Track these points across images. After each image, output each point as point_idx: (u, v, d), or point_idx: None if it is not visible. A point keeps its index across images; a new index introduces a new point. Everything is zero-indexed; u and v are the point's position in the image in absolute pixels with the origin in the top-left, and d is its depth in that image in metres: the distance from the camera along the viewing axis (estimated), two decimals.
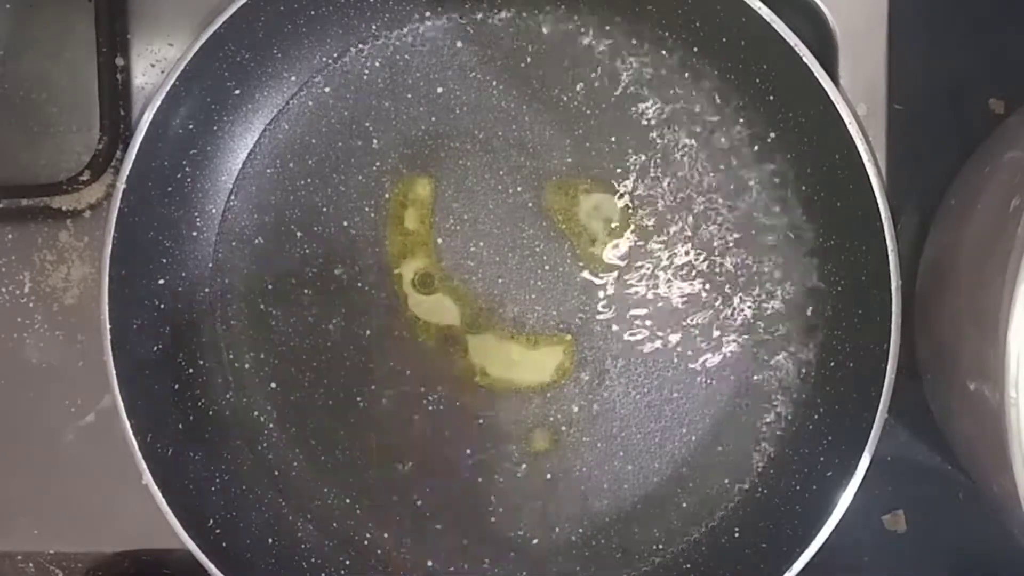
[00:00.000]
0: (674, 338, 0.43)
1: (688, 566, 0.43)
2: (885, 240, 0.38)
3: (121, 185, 0.39)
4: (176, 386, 0.43)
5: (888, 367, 0.38)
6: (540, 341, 0.43)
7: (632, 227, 0.43)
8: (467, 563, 0.44)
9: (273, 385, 0.44)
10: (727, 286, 0.43)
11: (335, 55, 0.43)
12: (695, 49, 0.42)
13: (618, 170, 0.43)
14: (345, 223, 0.43)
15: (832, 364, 0.42)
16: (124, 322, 0.40)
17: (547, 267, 0.43)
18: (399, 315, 0.44)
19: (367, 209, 0.43)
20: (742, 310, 0.43)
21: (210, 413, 0.44)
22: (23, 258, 0.45)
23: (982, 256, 0.34)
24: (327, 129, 0.43)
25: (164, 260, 0.42)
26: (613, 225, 0.43)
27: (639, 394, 0.43)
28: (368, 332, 0.44)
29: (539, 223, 0.43)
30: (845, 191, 0.39)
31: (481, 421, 0.43)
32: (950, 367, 0.36)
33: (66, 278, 0.44)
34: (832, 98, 0.38)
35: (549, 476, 0.43)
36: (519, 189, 0.43)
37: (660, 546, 0.43)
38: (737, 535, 0.42)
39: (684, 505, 0.43)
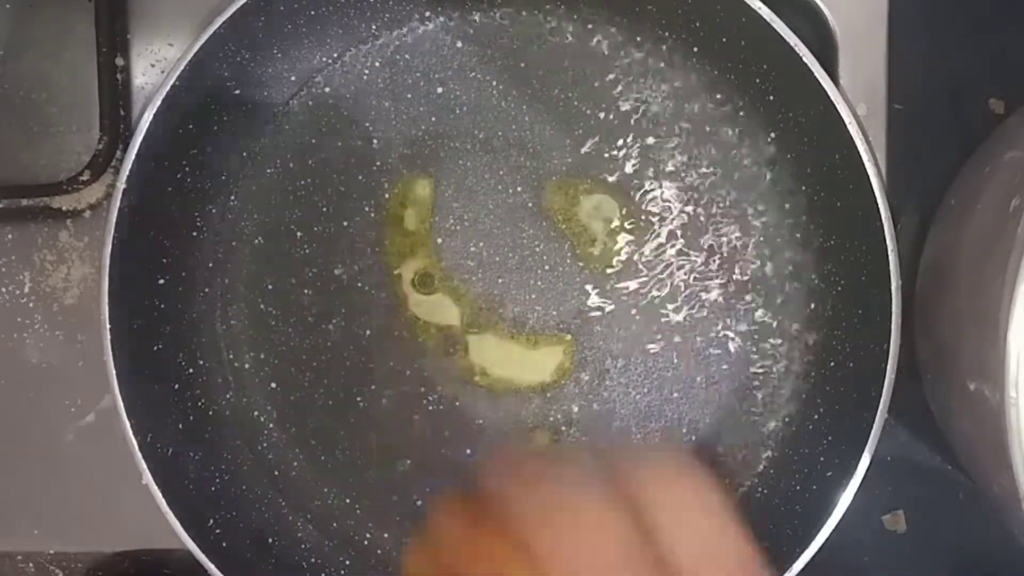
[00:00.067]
0: (674, 338, 0.43)
1: None
2: (885, 240, 0.38)
3: (121, 185, 0.39)
4: (176, 386, 0.43)
5: (888, 367, 0.38)
6: (540, 341, 0.43)
7: (632, 227, 0.43)
8: None
9: (273, 385, 0.44)
10: (727, 286, 0.43)
11: (335, 55, 0.43)
12: (695, 49, 0.42)
13: (618, 170, 0.43)
14: (345, 223, 0.43)
15: (832, 364, 0.42)
16: (124, 322, 0.40)
17: (547, 267, 0.43)
18: (399, 315, 0.44)
19: (367, 209, 0.43)
20: (742, 310, 0.43)
21: (210, 413, 0.44)
22: (23, 258, 0.45)
23: (982, 256, 0.34)
24: (327, 129, 0.43)
25: (164, 260, 0.42)
26: (613, 225, 0.43)
27: (639, 394, 0.43)
28: (368, 332, 0.44)
29: (539, 223, 0.43)
30: (845, 191, 0.39)
31: (481, 421, 0.43)
32: (950, 367, 0.36)
33: (66, 278, 0.44)
34: (832, 98, 0.38)
35: None
36: (519, 189, 0.43)
37: None
38: None
39: None
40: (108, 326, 0.40)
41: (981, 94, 0.43)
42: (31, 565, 0.46)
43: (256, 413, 0.44)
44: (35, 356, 0.45)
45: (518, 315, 0.43)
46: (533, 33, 0.43)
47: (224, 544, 0.41)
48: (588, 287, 0.43)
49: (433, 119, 0.43)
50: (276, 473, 0.44)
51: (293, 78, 0.43)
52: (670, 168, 0.43)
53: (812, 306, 0.43)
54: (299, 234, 0.44)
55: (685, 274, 0.43)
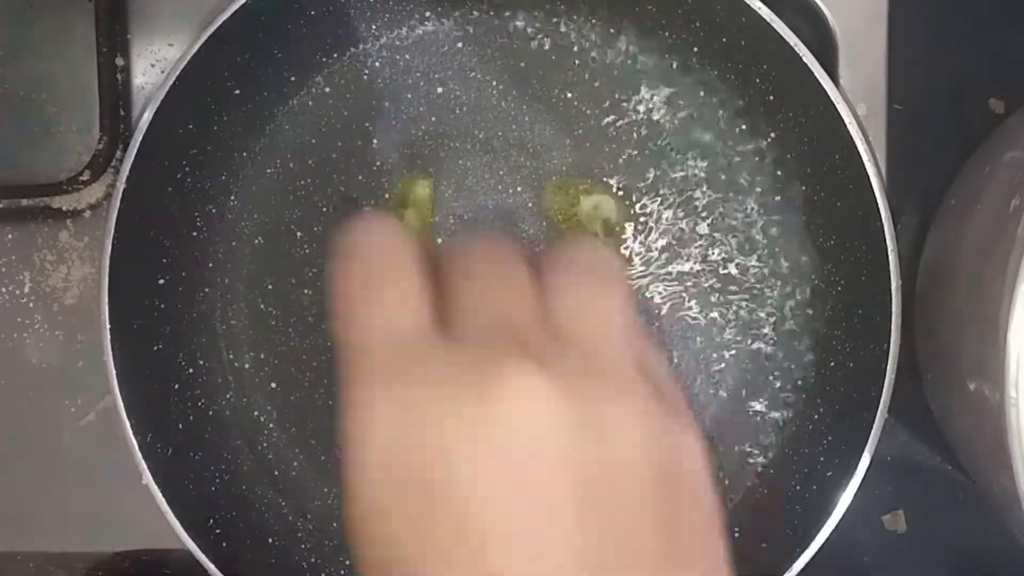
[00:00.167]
0: (673, 338, 0.43)
1: None
2: (885, 240, 0.38)
3: (121, 185, 0.39)
4: (176, 386, 0.43)
5: (888, 367, 0.38)
6: None
7: (631, 227, 0.43)
8: None
9: (273, 385, 0.44)
10: (726, 286, 0.43)
11: (335, 55, 0.43)
12: (695, 49, 0.42)
13: (618, 170, 0.43)
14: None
15: (832, 364, 0.42)
16: (124, 322, 0.40)
17: None
18: None
19: (367, 209, 0.43)
20: (741, 309, 0.43)
21: (210, 413, 0.44)
22: (23, 258, 0.45)
23: (982, 256, 0.34)
24: (327, 129, 0.43)
25: (164, 260, 0.42)
26: (613, 225, 0.43)
27: None
28: None
29: (539, 223, 0.43)
30: (845, 191, 0.39)
31: None
32: (950, 367, 0.36)
33: (66, 278, 0.44)
34: (832, 98, 0.38)
35: None
36: (519, 189, 0.43)
37: None
38: (737, 535, 0.42)
39: None
40: (108, 326, 0.40)
41: (981, 94, 0.43)
42: (31, 565, 0.46)
43: (256, 413, 0.44)
44: (35, 356, 0.45)
45: None
46: (533, 33, 0.43)
47: (224, 544, 0.41)
48: None
49: (433, 119, 0.43)
50: (276, 473, 0.44)
51: (293, 78, 0.43)
52: (669, 168, 0.43)
53: (812, 306, 0.43)
54: (299, 234, 0.44)
55: (684, 274, 0.43)
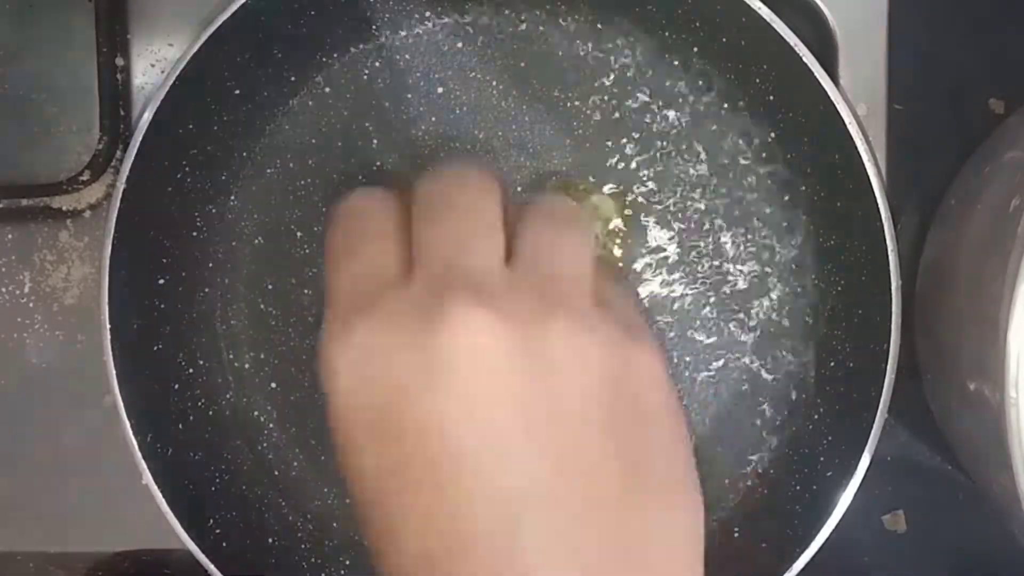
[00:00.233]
0: (674, 338, 0.43)
1: None
2: (885, 240, 0.38)
3: (121, 185, 0.39)
4: (176, 386, 0.43)
5: (888, 367, 0.38)
6: None
7: (632, 227, 0.43)
8: None
9: (273, 385, 0.44)
10: (726, 286, 0.43)
11: (335, 55, 0.43)
12: (695, 49, 0.42)
13: (618, 170, 0.43)
14: None
15: (832, 364, 0.42)
16: (124, 322, 0.40)
17: None
18: None
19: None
20: (741, 310, 0.43)
21: (210, 413, 0.44)
22: (23, 258, 0.44)
23: (982, 256, 0.34)
24: (327, 129, 0.43)
25: (164, 260, 0.42)
26: (613, 225, 0.43)
27: None
28: None
29: None
30: (845, 191, 0.39)
31: None
32: (950, 367, 0.36)
33: (66, 278, 0.44)
34: (832, 98, 0.38)
35: None
36: (519, 189, 0.43)
37: None
38: (737, 535, 0.42)
39: None
40: (108, 326, 0.40)
41: (981, 94, 0.43)
42: (31, 565, 0.46)
43: (256, 413, 0.44)
44: (35, 356, 0.45)
45: None
46: (533, 33, 0.43)
47: (224, 544, 0.41)
48: None
49: (433, 119, 0.43)
50: (276, 473, 0.44)
51: (293, 78, 0.43)
52: (669, 168, 0.43)
53: (812, 306, 0.43)
54: (299, 234, 0.44)
55: (683, 273, 0.43)
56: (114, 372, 0.40)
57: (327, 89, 0.43)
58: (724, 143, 0.42)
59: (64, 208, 0.43)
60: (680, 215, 0.43)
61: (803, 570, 0.39)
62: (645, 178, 0.43)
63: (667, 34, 0.42)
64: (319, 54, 0.43)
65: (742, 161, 0.42)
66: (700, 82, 0.42)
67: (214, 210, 0.44)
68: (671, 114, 0.43)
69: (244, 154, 0.44)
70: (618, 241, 0.43)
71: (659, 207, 0.43)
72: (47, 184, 0.43)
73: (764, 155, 0.42)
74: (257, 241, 0.44)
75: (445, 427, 0.25)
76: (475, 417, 0.25)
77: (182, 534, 0.40)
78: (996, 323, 0.30)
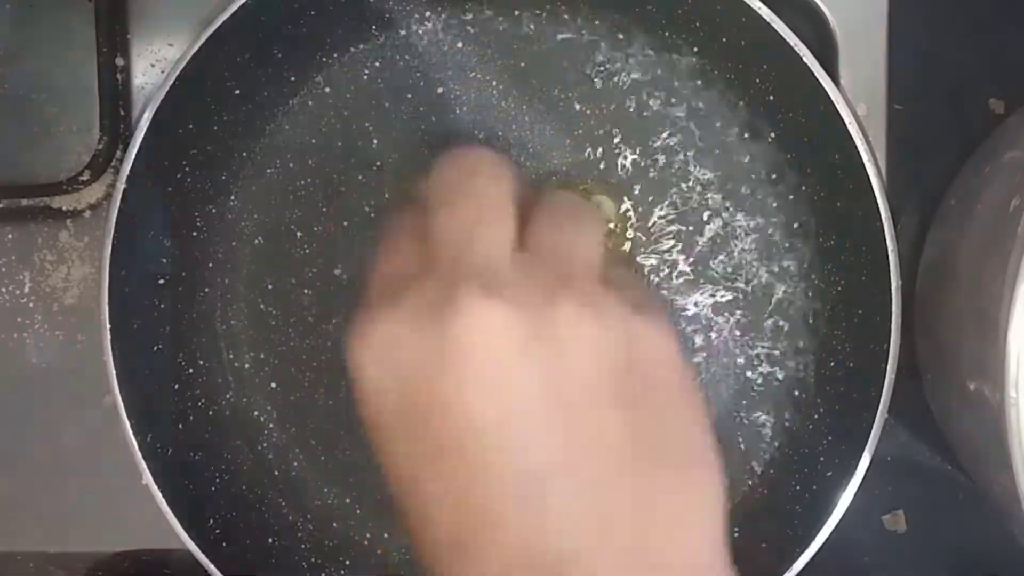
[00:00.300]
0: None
1: None
2: (885, 240, 0.38)
3: (121, 185, 0.39)
4: (176, 386, 0.43)
5: (888, 367, 0.38)
6: None
7: (632, 227, 0.43)
8: None
9: (273, 385, 0.44)
10: (726, 286, 0.43)
11: (335, 55, 0.43)
12: (695, 49, 0.42)
13: (618, 170, 0.43)
14: (345, 223, 0.43)
15: (832, 364, 0.42)
16: (124, 322, 0.40)
17: None
18: None
19: (367, 209, 0.43)
20: (741, 309, 0.43)
21: (210, 413, 0.44)
22: (23, 258, 0.45)
23: (982, 256, 0.34)
24: (327, 129, 0.43)
25: (164, 260, 0.42)
26: (613, 226, 0.43)
27: None
28: None
29: None
30: (845, 191, 0.39)
31: None
32: (950, 367, 0.36)
33: (66, 278, 0.44)
34: (832, 98, 0.38)
35: None
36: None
37: None
38: (737, 535, 0.42)
39: None
40: (108, 326, 0.40)
41: (981, 94, 0.43)
42: (31, 565, 0.46)
43: (256, 413, 0.44)
44: (35, 356, 0.45)
45: None
46: (533, 33, 0.43)
47: (224, 544, 0.41)
48: None
49: (433, 119, 0.43)
50: (276, 473, 0.44)
51: (293, 78, 0.43)
52: (669, 168, 0.43)
53: (812, 306, 0.43)
54: (299, 234, 0.44)
55: (683, 273, 0.43)
56: (114, 372, 0.40)
57: (327, 89, 0.43)
58: (723, 143, 0.42)
59: (64, 208, 0.43)
60: (679, 215, 0.43)
61: (803, 570, 0.39)
62: (645, 178, 0.43)
63: (667, 34, 0.42)
64: (319, 54, 0.43)
65: (741, 161, 0.42)
66: (700, 82, 0.42)
67: (214, 210, 0.44)
68: (671, 114, 0.43)
69: (244, 154, 0.44)
70: (617, 241, 0.43)
71: (659, 206, 0.43)
72: (47, 184, 0.43)
73: (764, 155, 0.42)
74: (257, 241, 0.44)
75: (467, 410, 0.26)
76: (493, 400, 0.26)
77: (182, 534, 0.40)
78: (996, 323, 0.30)
